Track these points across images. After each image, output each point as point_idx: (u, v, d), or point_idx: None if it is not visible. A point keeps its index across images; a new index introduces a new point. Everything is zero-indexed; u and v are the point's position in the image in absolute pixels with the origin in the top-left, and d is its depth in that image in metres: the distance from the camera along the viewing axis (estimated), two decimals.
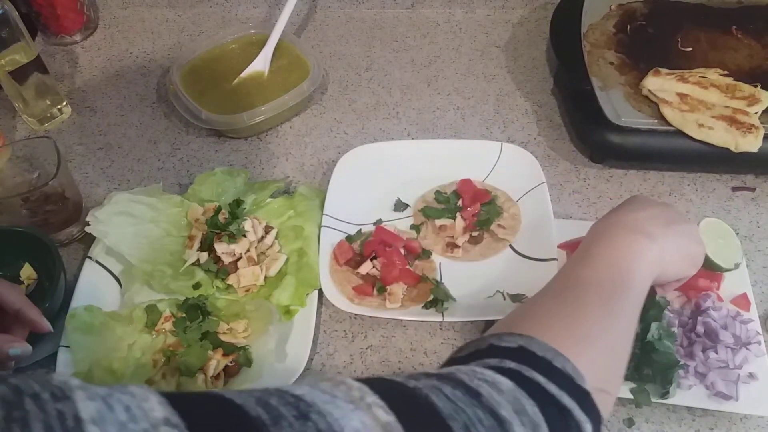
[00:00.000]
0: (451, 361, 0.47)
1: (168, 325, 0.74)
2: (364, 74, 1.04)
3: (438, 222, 0.82)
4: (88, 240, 0.81)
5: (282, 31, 1.00)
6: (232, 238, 0.77)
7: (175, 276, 0.77)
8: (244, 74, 0.99)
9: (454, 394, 0.39)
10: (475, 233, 0.81)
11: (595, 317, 0.49)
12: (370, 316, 0.76)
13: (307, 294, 0.76)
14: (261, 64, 0.99)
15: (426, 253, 0.80)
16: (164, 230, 0.81)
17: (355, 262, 0.79)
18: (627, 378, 0.68)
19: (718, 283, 0.75)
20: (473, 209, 0.82)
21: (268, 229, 0.81)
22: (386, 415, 0.35)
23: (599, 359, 0.47)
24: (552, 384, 0.41)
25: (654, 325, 0.67)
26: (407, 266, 0.78)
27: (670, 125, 0.84)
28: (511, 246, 0.81)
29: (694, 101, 0.85)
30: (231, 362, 0.71)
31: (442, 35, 1.09)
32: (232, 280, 0.77)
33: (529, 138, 0.94)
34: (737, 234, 0.78)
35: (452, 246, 0.81)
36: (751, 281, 0.76)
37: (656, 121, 0.85)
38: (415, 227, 0.83)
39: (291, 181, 0.91)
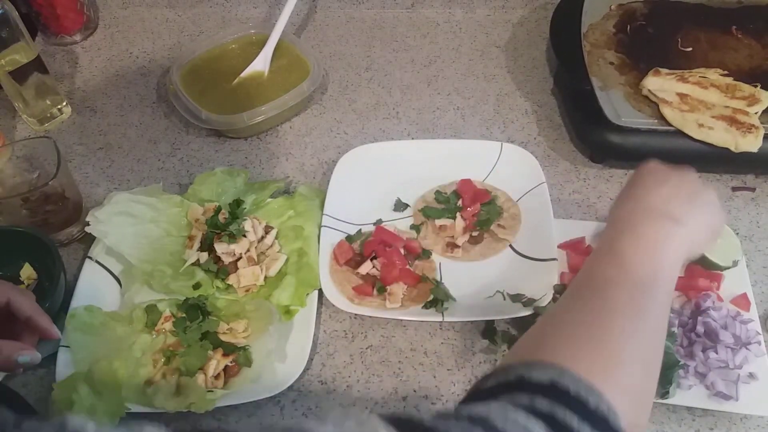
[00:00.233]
0: (476, 392, 0.44)
1: (168, 325, 0.74)
2: (364, 74, 1.04)
3: (438, 222, 0.82)
4: (88, 240, 0.81)
5: (282, 31, 1.00)
6: (232, 238, 0.77)
7: (175, 276, 0.77)
8: (244, 74, 0.99)
9: None
10: (475, 233, 0.81)
11: (627, 332, 0.47)
12: (370, 316, 0.76)
13: (307, 294, 0.76)
14: (261, 64, 0.99)
15: (426, 253, 0.80)
16: (164, 230, 0.81)
17: (355, 262, 0.79)
18: None
19: (718, 283, 0.75)
20: (473, 209, 0.82)
21: (268, 229, 0.81)
22: None
23: (632, 385, 0.45)
24: (587, 427, 0.39)
25: None
26: (407, 266, 0.78)
27: (670, 125, 0.84)
28: (511, 246, 0.81)
29: (694, 101, 0.85)
30: (231, 362, 0.71)
31: (442, 35, 1.09)
32: (232, 280, 0.77)
33: (529, 138, 0.94)
34: (737, 234, 0.78)
35: (452, 246, 0.81)
36: (751, 281, 0.76)
37: (656, 121, 0.85)
38: (415, 227, 0.83)
39: (291, 181, 0.91)
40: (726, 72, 0.89)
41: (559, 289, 0.73)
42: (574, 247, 0.79)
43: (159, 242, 0.80)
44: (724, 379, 0.67)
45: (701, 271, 0.76)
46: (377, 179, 0.86)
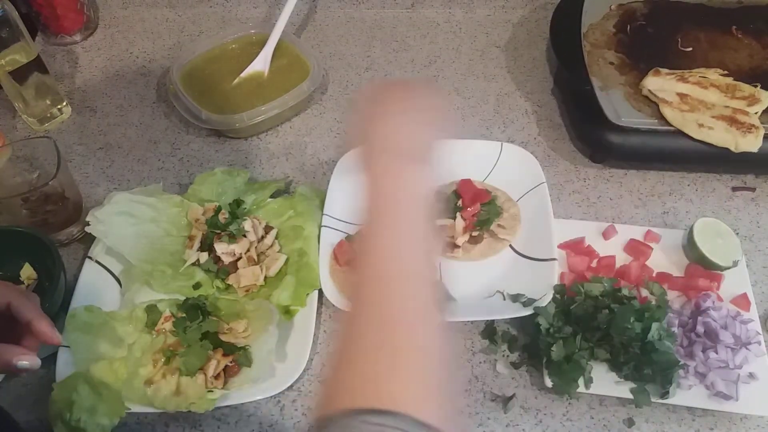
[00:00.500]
0: None
1: (168, 325, 0.74)
2: (364, 74, 1.04)
3: (438, 222, 0.82)
4: (88, 240, 0.81)
5: (282, 31, 1.00)
6: (232, 238, 0.77)
7: (175, 276, 0.77)
8: (244, 74, 0.99)
9: None
10: (475, 233, 0.81)
11: (418, 346, 0.42)
12: None
13: (307, 294, 0.76)
14: (261, 64, 0.99)
15: None
16: (164, 230, 0.81)
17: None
18: (627, 378, 0.68)
19: (718, 283, 0.75)
20: (473, 209, 0.82)
21: (268, 229, 0.81)
22: None
23: (445, 394, 0.41)
24: None
25: (654, 325, 0.67)
26: None
27: (670, 125, 0.84)
28: (511, 246, 0.81)
29: (694, 101, 0.85)
30: (231, 362, 0.71)
31: (442, 35, 1.09)
32: (232, 280, 0.77)
33: (529, 138, 0.94)
34: (737, 234, 0.78)
35: (452, 246, 0.81)
36: (751, 281, 0.76)
37: (656, 121, 0.85)
38: None
39: (291, 181, 0.91)
40: (726, 72, 0.89)
41: (559, 289, 0.73)
42: (574, 247, 0.79)
43: (159, 242, 0.80)
44: (724, 379, 0.67)
45: (701, 271, 0.76)
46: None
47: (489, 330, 0.74)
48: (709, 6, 0.99)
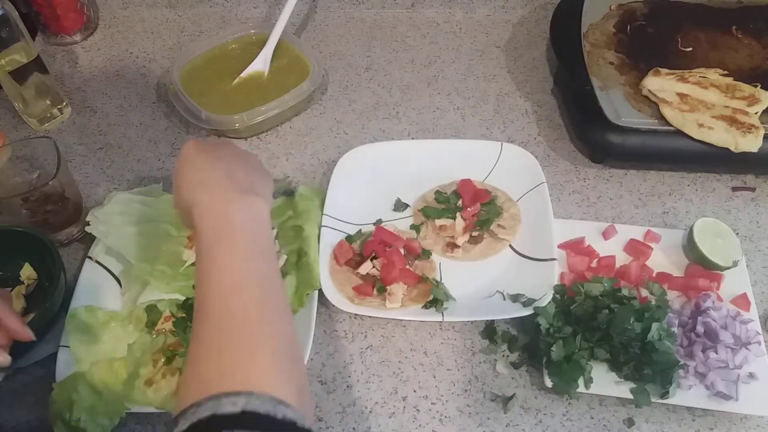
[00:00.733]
0: None
1: (168, 325, 0.74)
2: (364, 74, 1.04)
3: (438, 222, 0.82)
4: (88, 240, 0.81)
5: (282, 31, 1.00)
6: None
7: (175, 276, 0.77)
8: (244, 74, 0.99)
9: None
10: (475, 233, 0.81)
11: (266, 333, 0.49)
12: (370, 316, 0.76)
13: (307, 294, 0.75)
14: (261, 64, 0.99)
15: (426, 253, 0.80)
16: (164, 230, 0.81)
17: (355, 262, 0.79)
18: (627, 378, 0.68)
19: (718, 283, 0.75)
20: (473, 209, 0.82)
21: None
22: None
23: (294, 372, 0.49)
24: None
25: (654, 325, 0.67)
26: (407, 266, 0.78)
27: (670, 125, 0.84)
28: (511, 246, 0.81)
29: (694, 101, 0.85)
30: None
31: (442, 35, 1.09)
32: None
33: (529, 138, 0.94)
34: (737, 234, 0.78)
35: (452, 246, 0.81)
36: (751, 281, 0.76)
37: (656, 121, 0.85)
38: (415, 227, 0.83)
39: (291, 181, 0.91)
40: (726, 72, 0.89)
41: (559, 290, 0.73)
42: (574, 247, 0.79)
43: (159, 242, 0.80)
44: (724, 379, 0.67)
45: (701, 271, 0.76)
46: (377, 179, 0.86)
47: (489, 330, 0.74)
48: (709, 6, 0.99)
